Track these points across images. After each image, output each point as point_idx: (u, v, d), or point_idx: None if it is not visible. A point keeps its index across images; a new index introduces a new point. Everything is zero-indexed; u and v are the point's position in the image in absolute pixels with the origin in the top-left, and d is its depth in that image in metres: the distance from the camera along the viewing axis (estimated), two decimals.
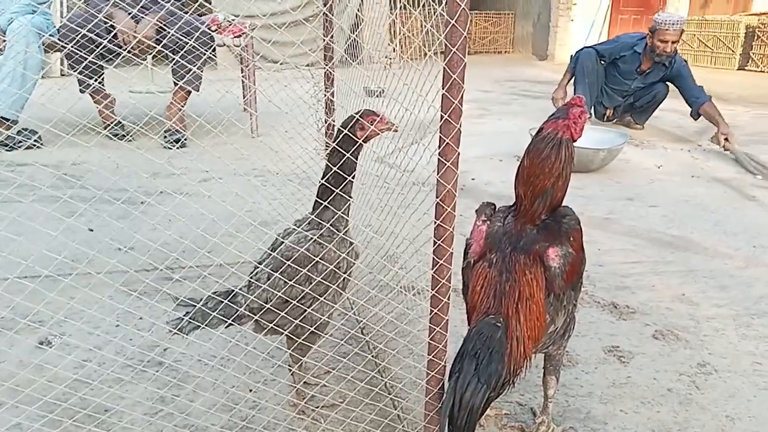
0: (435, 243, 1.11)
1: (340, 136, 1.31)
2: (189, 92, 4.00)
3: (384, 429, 1.33)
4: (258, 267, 1.43)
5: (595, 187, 3.38)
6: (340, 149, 1.30)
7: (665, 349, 1.79)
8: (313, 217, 1.38)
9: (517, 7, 11.34)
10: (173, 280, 1.77)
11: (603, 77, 4.78)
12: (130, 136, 3.97)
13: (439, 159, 1.06)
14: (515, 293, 1.25)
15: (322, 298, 1.34)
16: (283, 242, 1.41)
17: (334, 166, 1.31)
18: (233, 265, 1.64)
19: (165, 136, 3.87)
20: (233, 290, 1.34)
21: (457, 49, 1.00)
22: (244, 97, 4.67)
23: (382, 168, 1.88)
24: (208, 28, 4.37)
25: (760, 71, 8.65)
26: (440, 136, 1.05)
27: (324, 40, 2.00)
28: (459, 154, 1.06)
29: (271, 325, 1.30)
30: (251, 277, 1.43)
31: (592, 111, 4.91)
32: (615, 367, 1.70)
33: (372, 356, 1.64)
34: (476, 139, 4.43)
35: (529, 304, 1.25)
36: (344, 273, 1.40)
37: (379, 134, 1.31)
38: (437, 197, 1.08)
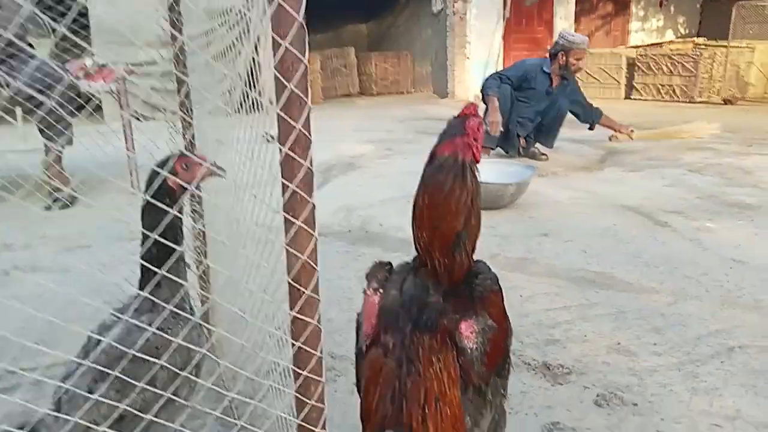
0: (293, 344, 0.73)
1: (148, 190, 0.93)
2: (61, 148, 3.49)
3: None
4: (67, 379, 1.00)
5: (508, 224, 3.14)
6: (152, 205, 0.91)
7: (612, 419, 1.48)
8: (128, 304, 0.97)
9: (415, 47, 11.47)
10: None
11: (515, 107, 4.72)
12: None
13: (285, 218, 0.70)
14: (420, 393, 0.90)
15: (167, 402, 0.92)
16: (100, 341, 1.00)
17: (151, 230, 0.91)
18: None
19: (54, 198, 3.51)
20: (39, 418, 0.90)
21: (295, 87, 0.66)
22: (126, 149, 4.18)
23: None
24: (72, 74, 3.89)
25: (644, 99, 9.12)
26: (282, 182, 0.69)
27: (185, 88, 1.64)
28: (314, 206, 0.70)
29: None
30: (59, 397, 1.00)
31: (506, 146, 4.88)
32: None
33: None
34: (383, 181, 4.15)
35: (440, 406, 0.90)
36: (192, 365, 1.00)
37: (194, 182, 0.95)
38: (288, 276, 0.71)
